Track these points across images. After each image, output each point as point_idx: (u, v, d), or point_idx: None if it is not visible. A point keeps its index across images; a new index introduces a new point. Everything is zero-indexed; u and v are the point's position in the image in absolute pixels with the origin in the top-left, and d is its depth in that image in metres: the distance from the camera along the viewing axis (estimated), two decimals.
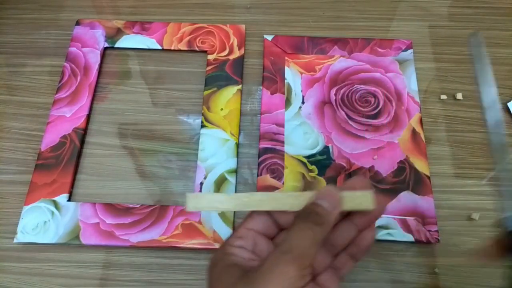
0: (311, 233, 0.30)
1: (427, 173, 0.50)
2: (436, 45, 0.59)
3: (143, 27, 0.59)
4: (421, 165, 0.51)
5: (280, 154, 0.51)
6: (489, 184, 0.51)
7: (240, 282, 0.29)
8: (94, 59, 0.57)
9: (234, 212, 0.49)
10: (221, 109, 0.54)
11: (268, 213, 0.33)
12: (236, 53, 0.57)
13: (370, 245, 0.34)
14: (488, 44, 0.59)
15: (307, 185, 0.50)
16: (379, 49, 0.57)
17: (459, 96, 0.56)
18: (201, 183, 0.50)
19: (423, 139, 0.52)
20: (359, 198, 0.32)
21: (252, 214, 0.34)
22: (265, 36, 0.58)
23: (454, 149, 0.53)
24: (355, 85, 0.55)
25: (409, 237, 0.47)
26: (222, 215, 0.48)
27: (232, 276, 0.30)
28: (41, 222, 0.48)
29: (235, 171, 0.51)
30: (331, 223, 0.31)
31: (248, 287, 0.28)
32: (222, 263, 0.31)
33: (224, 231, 0.47)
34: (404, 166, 0.51)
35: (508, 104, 0.55)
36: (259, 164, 0.51)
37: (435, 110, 0.55)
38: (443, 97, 0.56)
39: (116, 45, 0.58)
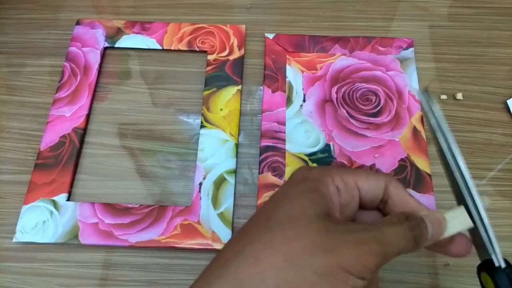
0: (404, 245, 0.27)
1: (428, 171, 0.50)
2: (436, 45, 0.59)
3: (143, 27, 0.59)
4: (422, 163, 0.51)
5: (282, 152, 0.51)
6: (489, 184, 0.51)
7: (316, 223, 0.26)
8: (94, 59, 0.57)
9: (234, 212, 0.49)
10: (221, 109, 0.54)
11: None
12: (236, 54, 0.57)
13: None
14: (488, 44, 0.59)
15: None
16: (380, 48, 0.58)
17: (459, 96, 0.56)
18: (200, 184, 0.49)
19: (424, 137, 0.52)
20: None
21: (370, 173, 0.31)
22: (266, 34, 0.58)
23: None
24: (356, 84, 0.55)
25: None
26: (221, 215, 0.48)
27: (310, 209, 0.27)
28: (40, 221, 0.47)
29: (235, 172, 0.50)
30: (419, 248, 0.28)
31: (325, 236, 0.26)
32: (311, 187, 0.29)
33: (223, 231, 0.47)
34: (405, 164, 0.51)
35: (508, 101, 0.55)
36: (260, 162, 0.51)
37: None
38: (443, 97, 0.56)
39: (116, 45, 0.58)
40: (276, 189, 0.31)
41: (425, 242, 0.28)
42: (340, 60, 0.57)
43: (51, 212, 0.48)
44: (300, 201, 0.28)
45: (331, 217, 0.27)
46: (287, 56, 0.57)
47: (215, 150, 0.51)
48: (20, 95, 0.56)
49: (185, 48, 0.58)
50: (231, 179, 0.50)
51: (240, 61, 0.57)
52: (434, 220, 0.29)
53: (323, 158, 0.51)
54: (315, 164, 0.51)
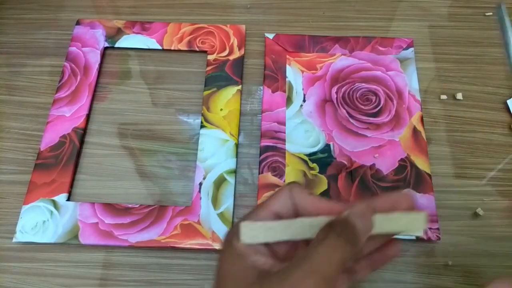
0: (341, 253, 0.26)
1: (428, 171, 0.50)
2: (436, 45, 0.59)
3: (143, 27, 0.59)
4: (421, 163, 0.51)
5: (281, 152, 0.51)
6: (489, 184, 0.51)
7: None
8: (94, 58, 0.57)
9: (234, 212, 0.49)
10: (221, 109, 0.54)
11: (290, 196, 0.31)
12: (236, 54, 0.57)
13: (394, 256, 0.31)
14: (488, 44, 0.59)
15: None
16: (380, 48, 0.58)
17: (459, 96, 0.56)
18: (200, 184, 0.49)
19: (424, 137, 0.52)
20: (403, 220, 0.29)
21: (275, 195, 0.31)
22: (266, 34, 0.58)
23: (454, 149, 0.53)
24: (356, 84, 0.55)
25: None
26: (221, 215, 0.48)
27: (246, 278, 0.28)
28: (40, 221, 0.47)
29: (235, 172, 0.50)
30: (362, 245, 0.28)
31: None
32: (233, 253, 0.29)
33: (223, 231, 0.47)
34: (405, 164, 0.51)
35: (508, 101, 0.55)
36: (260, 162, 0.51)
37: (435, 110, 0.55)
38: (443, 97, 0.56)
39: (116, 45, 0.58)
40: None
41: (363, 236, 0.27)
42: (340, 60, 0.57)
43: (51, 212, 0.48)
44: (232, 279, 0.29)
45: (263, 274, 0.28)
46: (287, 56, 0.57)
47: (215, 150, 0.51)
48: (20, 95, 0.56)
49: (185, 48, 0.58)
50: (231, 179, 0.50)
51: (240, 61, 0.57)
52: (358, 214, 0.28)
53: (323, 158, 0.51)
54: (315, 164, 0.51)
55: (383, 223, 0.29)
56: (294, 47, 0.58)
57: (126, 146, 0.53)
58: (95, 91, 0.55)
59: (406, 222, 0.29)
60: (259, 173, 0.50)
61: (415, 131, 0.52)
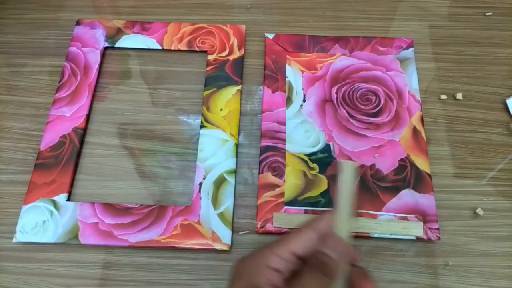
0: (320, 283, 0.31)
1: (428, 171, 0.50)
2: (436, 45, 0.59)
3: (143, 27, 0.59)
4: (422, 163, 0.51)
5: (282, 152, 0.51)
6: (489, 184, 0.51)
7: None
8: (94, 59, 0.57)
9: (234, 212, 0.49)
10: (221, 109, 0.54)
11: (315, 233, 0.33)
12: (236, 54, 0.57)
13: None
14: (488, 44, 0.59)
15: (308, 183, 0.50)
16: (380, 48, 0.58)
17: (459, 96, 0.56)
18: (200, 184, 0.49)
19: (424, 137, 0.52)
20: None
21: (299, 232, 0.33)
22: (266, 34, 0.58)
23: (454, 149, 0.53)
24: (356, 84, 0.56)
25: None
26: (221, 215, 0.48)
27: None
28: (40, 221, 0.47)
29: (235, 172, 0.50)
30: (339, 273, 0.32)
31: None
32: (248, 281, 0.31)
33: (223, 231, 0.47)
34: (405, 164, 0.51)
35: (507, 101, 0.55)
36: (260, 162, 0.51)
37: (435, 110, 0.55)
38: (443, 97, 0.56)
39: (116, 45, 0.58)
40: None
41: (337, 266, 0.32)
42: (340, 60, 0.57)
43: (51, 212, 0.48)
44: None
45: None
46: (287, 56, 0.57)
47: (215, 150, 0.51)
48: (20, 95, 0.56)
49: (185, 48, 0.58)
50: (231, 179, 0.50)
51: (240, 61, 0.57)
52: (334, 245, 0.33)
53: (323, 158, 0.51)
54: (315, 164, 0.51)
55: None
56: (294, 47, 0.58)
57: (126, 146, 0.53)
58: (95, 91, 0.55)
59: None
60: (259, 173, 0.50)
61: (415, 131, 0.52)
